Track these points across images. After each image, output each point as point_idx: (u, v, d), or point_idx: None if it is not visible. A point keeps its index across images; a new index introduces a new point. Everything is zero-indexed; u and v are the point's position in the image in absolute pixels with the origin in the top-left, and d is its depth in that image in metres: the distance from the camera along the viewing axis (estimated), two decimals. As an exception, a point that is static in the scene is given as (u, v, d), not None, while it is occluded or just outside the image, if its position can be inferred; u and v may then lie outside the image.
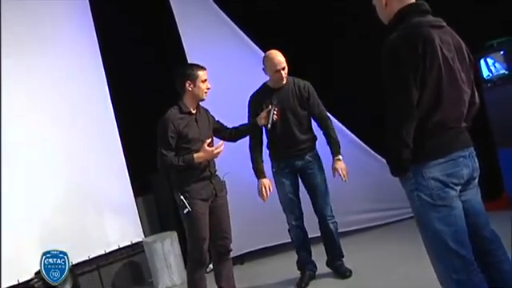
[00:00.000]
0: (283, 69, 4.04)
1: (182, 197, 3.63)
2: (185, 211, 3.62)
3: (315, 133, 4.29)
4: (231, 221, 3.93)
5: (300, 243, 4.28)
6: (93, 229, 5.07)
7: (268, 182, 4.15)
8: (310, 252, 4.33)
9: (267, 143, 4.26)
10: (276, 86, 4.12)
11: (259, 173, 4.16)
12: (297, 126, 4.11)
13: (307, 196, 4.25)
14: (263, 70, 4.14)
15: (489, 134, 4.98)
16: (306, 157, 4.15)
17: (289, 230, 4.30)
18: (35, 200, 4.65)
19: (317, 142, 4.27)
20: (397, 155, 2.26)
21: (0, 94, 4.51)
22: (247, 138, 4.15)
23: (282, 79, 4.06)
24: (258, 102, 4.13)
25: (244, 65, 4.99)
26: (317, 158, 4.21)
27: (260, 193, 4.12)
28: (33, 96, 4.82)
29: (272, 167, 4.25)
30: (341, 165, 4.10)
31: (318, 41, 5.58)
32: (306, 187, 4.24)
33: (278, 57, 4.04)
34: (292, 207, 4.19)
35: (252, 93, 4.23)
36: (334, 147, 4.17)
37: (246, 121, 4.14)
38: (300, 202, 4.22)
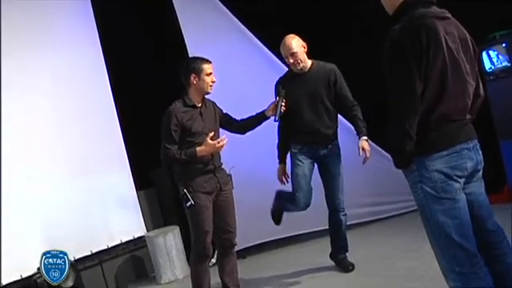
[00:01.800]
0: (292, 54, 3.96)
1: (185, 190, 3.63)
2: (188, 204, 3.62)
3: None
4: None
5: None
6: (95, 224, 5.07)
7: (284, 167, 4.17)
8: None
9: (292, 129, 4.13)
10: (296, 70, 4.05)
11: (281, 157, 4.19)
12: (325, 113, 4.04)
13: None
14: None
15: (491, 127, 4.97)
16: (330, 146, 4.10)
17: (292, 199, 4.10)
18: (37, 195, 4.65)
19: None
20: (400, 147, 2.25)
21: (0, 90, 4.50)
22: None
23: (294, 64, 4.00)
24: (282, 87, 3.99)
25: (246, 59, 4.99)
26: (338, 148, 4.15)
27: (279, 178, 4.19)
28: (34, 91, 4.82)
29: (293, 148, 4.14)
30: (367, 145, 3.92)
31: (321, 34, 5.55)
32: (322, 176, 4.18)
33: (288, 41, 3.98)
34: (303, 184, 4.03)
35: (278, 78, 4.16)
36: (361, 127, 4.03)
37: (248, 114, 4.12)
38: (311, 186, 4.09)
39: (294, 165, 4.12)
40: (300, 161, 4.07)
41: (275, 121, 3.92)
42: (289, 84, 4.01)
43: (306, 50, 4.03)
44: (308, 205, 4.09)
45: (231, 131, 3.94)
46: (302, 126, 4.05)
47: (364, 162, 3.89)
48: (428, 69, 2.17)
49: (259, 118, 3.97)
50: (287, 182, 4.19)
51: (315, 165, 4.17)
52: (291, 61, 3.98)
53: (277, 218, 4.31)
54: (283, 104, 3.86)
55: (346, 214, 4.22)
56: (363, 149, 3.89)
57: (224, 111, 3.95)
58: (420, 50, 2.15)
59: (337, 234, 4.26)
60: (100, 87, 5.31)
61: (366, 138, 3.96)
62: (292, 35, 4.03)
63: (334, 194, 4.15)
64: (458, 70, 2.24)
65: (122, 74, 5.46)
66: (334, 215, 4.21)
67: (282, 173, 4.22)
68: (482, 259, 2.30)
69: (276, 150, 4.25)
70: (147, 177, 5.90)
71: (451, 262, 2.28)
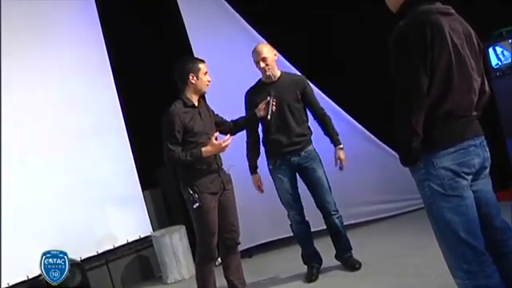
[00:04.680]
0: (263, 59, 4.05)
1: (191, 191, 3.61)
2: (194, 206, 3.60)
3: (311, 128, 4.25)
4: (239, 214, 3.92)
5: (303, 238, 4.28)
6: (101, 224, 5.09)
7: (258, 177, 4.24)
8: (314, 244, 4.33)
9: (263, 139, 4.23)
10: (267, 80, 4.13)
11: (251, 168, 4.26)
12: (292, 121, 4.09)
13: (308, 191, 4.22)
14: None
15: (497, 124, 4.93)
16: (302, 153, 4.11)
17: (290, 225, 4.29)
18: (43, 195, 4.66)
19: (313, 138, 4.22)
20: (407, 144, 2.23)
21: (0, 89, 4.50)
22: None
23: (264, 69, 4.08)
24: (253, 96, 4.15)
25: (250, 57, 4.98)
26: (314, 153, 4.17)
27: (256, 187, 4.26)
28: (39, 90, 4.83)
29: (268, 164, 4.22)
30: (343, 155, 4.12)
31: (324, 32, 5.54)
32: (306, 184, 4.21)
33: (260, 48, 4.10)
34: (292, 202, 4.17)
35: (248, 88, 4.24)
36: (334, 137, 4.17)
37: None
38: (299, 197, 4.19)
39: (275, 182, 4.21)
40: (278, 177, 4.16)
41: (266, 121, 3.98)
42: (258, 93, 4.10)
43: (276, 58, 4.14)
44: (303, 215, 4.21)
45: (222, 132, 3.92)
46: (270, 134, 4.12)
47: (341, 169, 4.13)
48: (433, 65, 2.15)
49: (249, 119, 4.04)
50: (263, 190, 4.26)
51: (297, 174, 4.21)
52: (262, 65, 4.07)
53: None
54: (274, 103, 3.93)
55: (340, 216, 4.22)
56: (340, 159, 4.11)
57: (215, 112, 3.96)
58: (425, 46, 2.14)
59: (336, 236, 4.26)
60: (105, 86, 5.32)
61: (341, 146, 4.14)
62: (264, 43, 4.23)
63: (321, 198, 4.16)
64: (463, 65, 2.22)
65: (127, 72, 5.46)
66: (328, 220, 4.21)
67: (256, 182, 4.26)
68: (490, 257, 2.28)
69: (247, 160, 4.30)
70: (152, 176, 5.89)
71: (458, 259, 2.27)
